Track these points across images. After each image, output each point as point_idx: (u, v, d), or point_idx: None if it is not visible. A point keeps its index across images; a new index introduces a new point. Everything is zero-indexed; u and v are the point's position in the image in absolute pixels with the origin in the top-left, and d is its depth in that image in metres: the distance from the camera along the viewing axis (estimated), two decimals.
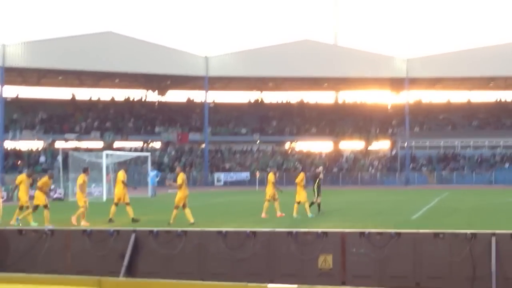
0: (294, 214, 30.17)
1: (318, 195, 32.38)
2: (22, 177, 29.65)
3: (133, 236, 19.85)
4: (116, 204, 29.43)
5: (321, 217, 30.05)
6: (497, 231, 18.81)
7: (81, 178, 28.91)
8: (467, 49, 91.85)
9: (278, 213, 30.61)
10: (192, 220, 26.12)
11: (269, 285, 4.04)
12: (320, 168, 36.59)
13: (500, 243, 18.28)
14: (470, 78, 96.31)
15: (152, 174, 58.67)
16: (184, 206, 27.23)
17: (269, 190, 31.20)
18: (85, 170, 30.31)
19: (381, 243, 18.78)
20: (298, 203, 30.73)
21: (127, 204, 29.23)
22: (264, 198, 31.33)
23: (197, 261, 19.42)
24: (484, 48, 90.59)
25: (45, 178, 28.86)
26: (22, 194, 29.02)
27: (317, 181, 33.07)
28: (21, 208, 28.42)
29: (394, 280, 17.93)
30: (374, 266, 18.62)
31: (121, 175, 30.53)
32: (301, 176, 31.73)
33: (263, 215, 30.11)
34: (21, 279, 4.27)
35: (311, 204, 31.75)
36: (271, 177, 31.78)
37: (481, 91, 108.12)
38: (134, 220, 28.00)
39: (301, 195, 30.84)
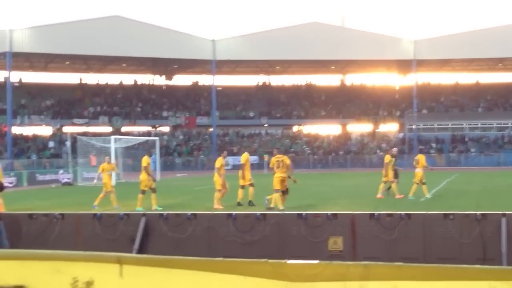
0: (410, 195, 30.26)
1: (394, 176, 32.49)
2: (147, 159, 27.78)
3: (143, 220, 19.90)
4: (243, 187, 28.29)
5: (334, 199, 29.98)
6: (507, 212, 18.80)
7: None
8: (475, 30, 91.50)
9: (379, 195, 30.96)
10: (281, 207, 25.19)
11: (289, 261, 4.04)
12: (395, 150, 36.36)
13: (511, 224, 18.27)
14: (478, 59, 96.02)
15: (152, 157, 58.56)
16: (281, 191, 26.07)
17: (388, 171, 31.32)
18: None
19: (391, 224, 18.78)
20: (422, 183, 30.74)
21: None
22: (382, 180, 31.67)
23: (207, 244, 19.47)
24: (492, 29, 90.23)
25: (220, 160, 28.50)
26: (145, 176, 27.37)
27: (392, 162, 33.20)
28: (143, 192, 27.04)
29: (404, 262, 17.86)
30: (384, 247, 18.63)
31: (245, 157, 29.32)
32: (423, 158, 31.86)
33: (398, 196, 30.50)
34: (39, 256, 4.30)
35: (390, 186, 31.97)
36: (387, 158, 31.88)
37: (489, 72, 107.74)
38: (239, 204, 27.60)
39: (418, 176, 30.91)
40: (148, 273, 4.09)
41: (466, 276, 3.69)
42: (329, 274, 3.87)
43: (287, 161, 26.25)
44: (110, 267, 4.08)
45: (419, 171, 31.00)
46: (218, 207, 26.19)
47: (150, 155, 28.41)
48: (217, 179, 27.53)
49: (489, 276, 3.66)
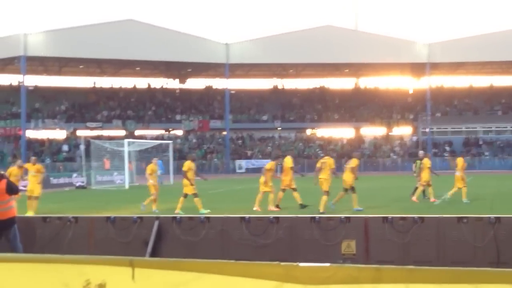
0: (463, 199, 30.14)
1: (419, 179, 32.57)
2: (188, 164, 27.44)
3: (156, 223, 19.92)
4: (286, 190, 28.28)
5: (348, 203, 29.88)
6: None
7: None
8: (489, 33, 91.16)
9: (432, 199, 30.74)
10: None
11: (301, 264, 4.05)
12: (421, 153, 36.42)
13: None
14: (492, 62, 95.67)
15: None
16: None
17: (425, 175, 31.32)
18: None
19: (405, 228, 18.73)
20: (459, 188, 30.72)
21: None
22: (419, 184, 31.55)
23: (220, 247, 19.46)
24: (506, 32, 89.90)
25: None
26: (187, 182, 27.10)
27: (417, 165, 33.31)
28: (186, 196, 26.95)
29: (417, 265, 17.80)
30: (397, 251, 18.58)
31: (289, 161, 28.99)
32: (460, 160, 31.82)
33: (414, 198, 30.65)
34: (51, 260, 4.33)
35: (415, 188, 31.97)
36: (427, 162, 31.98)
37: (503, 75, 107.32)
38: (302, 206, 27.58)
39: (459, 180, 30.85)
40: (160, 276, 4.11)
41: (479, 279, 3.69)
42: (341, 277, 3.87)
43: (332, 165, 27.54)
44: (123, 270, 4.10)
45: (459, 174, 30.95)
46: (272, 209, 26.57)
47: (192, 160, 28.31)
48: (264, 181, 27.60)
49: (502, 279, 3.65)
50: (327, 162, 27.26)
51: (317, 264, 4.08)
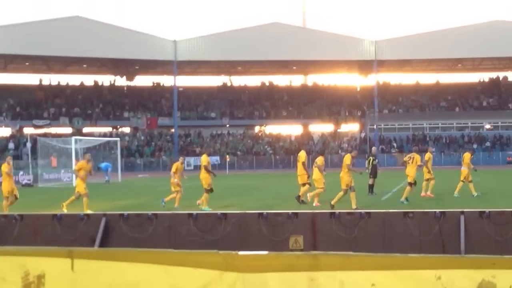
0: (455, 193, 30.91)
1: (371, 176, 32.84)
2: (206, 158, 27.93)
3: (103, 220, 19.83)
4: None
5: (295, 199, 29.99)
6: (466, 209, 19.01)
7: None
8: (435, 31, 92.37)
9: (428, 193, 31.36)
10: None
11: (240, 252, 4.07)
12: (374, 149, 36.89)
13: (469, 221, 18.48)
14: (438, 60, 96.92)
15: (104, 164, 57.90)
16: None
17: (422, 170, 31.99)
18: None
19: (352, 223, 18.93)
20: (469, 181, 31.26)
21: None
22: (424, 177, 32.27)
23: (168, 243, 19.45)
24: (452, 29, 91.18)
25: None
26: (205, 175, 27.32)
27: (370, 161, 33.59)
28: (208, 191, 26.80)
29: None
30: (344, 246, 18.74)
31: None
32: (468, 156, 32.32)
33: (426, 194, 31.33)
34: None
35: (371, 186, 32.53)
36: (427, 156, 33.20)
37: (449, 73, 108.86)
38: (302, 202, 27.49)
39: (464, 173, 31.41)
40: (99, 267, 4.09)
41: (413, 266, 3.75)
42: (279, 265, 3.89)
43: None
44: (62, 261, 4.07)
45: (464, 169, 31.46)
46: (317, 204, 26.59)
47: (208, 154, 28.29)
48: (318, 177, 27.76)
49: (435, 265, 3.72)
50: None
51: (255, 252, 4.10)
